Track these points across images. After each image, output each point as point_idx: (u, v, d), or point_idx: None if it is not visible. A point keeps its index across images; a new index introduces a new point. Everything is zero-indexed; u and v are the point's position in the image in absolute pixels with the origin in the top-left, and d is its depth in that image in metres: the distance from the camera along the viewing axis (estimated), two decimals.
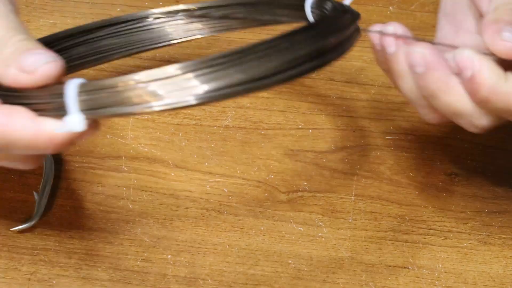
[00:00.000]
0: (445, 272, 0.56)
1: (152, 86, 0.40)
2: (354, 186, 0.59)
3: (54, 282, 0.53)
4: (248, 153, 0.60)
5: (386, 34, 0.50)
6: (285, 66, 0.41)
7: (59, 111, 0.41)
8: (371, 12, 0.69)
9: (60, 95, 0.41)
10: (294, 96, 0.64)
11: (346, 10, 0.48)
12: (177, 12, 0.57)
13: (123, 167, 0.59)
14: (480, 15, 0.51)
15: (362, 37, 0.68)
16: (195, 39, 0.57)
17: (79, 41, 0.55)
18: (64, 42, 0.55)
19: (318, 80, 0.65)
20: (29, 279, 0.53)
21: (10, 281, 0.53)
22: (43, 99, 0.43)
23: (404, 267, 0.56)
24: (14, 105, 0.43)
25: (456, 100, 0.47)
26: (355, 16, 0.48)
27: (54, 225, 0.56)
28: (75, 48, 0.55)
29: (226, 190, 0.58)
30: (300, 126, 0.62)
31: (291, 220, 0.57)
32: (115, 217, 0.56)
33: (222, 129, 0.61)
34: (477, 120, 0.48)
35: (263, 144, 0.61)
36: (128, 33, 0.56)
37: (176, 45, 0.65)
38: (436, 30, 0.54)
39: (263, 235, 0.56)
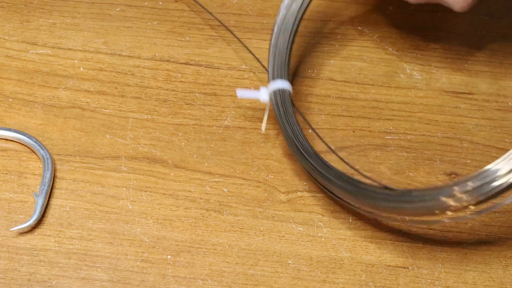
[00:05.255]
0: (445, 272, 0.56)
1: None
2: None
3: (54, 282, 0.53)
4: (248, 153, 0.60)
5: None
6: None
7: None
8: (371, 12, 0.69)
9: None
10: (293, 96, 0.63)
11: None
12: None
13: (122, 167, 0.59)
14: None
15: (362, 37, 0.68)
16: None
17: None
18: None
19: (318, 80, 0.65)
20: (28, 280, 0.53)
21: (9, 282, 0.53)
22: None
23: (404, 267, 0.56)
24: None
25: None
26: None
27: (53, 225, 0.56)
28: None
29: (225, 190, 0.58)
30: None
31: (291, 220, 0.57)
32: (114, 217, 0.56)
33: (221, 129, 0.61)
34: None
35: (262, 144, 0.61)
36: None
37: (176, 45, 0.66)
38: None
39: (263, 235, 0.56)
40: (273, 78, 0.59)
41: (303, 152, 0.56)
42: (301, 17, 0.63)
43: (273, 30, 0.62)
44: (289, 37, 0.61)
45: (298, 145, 0.56)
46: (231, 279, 0.54)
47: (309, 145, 0.57)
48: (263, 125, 0.58)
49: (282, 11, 0.62)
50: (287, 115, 0.58)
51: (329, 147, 0.57)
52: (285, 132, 0.58)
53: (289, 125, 0.57)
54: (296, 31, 0.62)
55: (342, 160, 0.57)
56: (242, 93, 0.58)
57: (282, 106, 0.58)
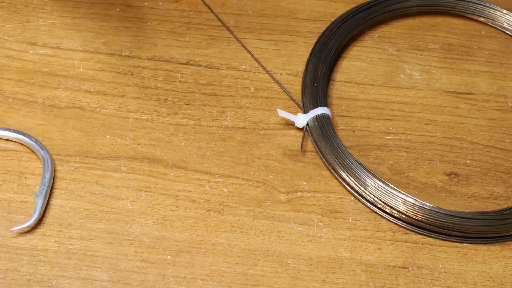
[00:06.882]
0: (445, 272, 0.56)
1: None
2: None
3: (54, 283, 0.53)
4: (248, 153, 0.60)
5: None
6: None
7: None
8: None
9: None
10: (293, 96, 0.64)
11: None
12: None
13: (122, 167, 0.59)
14: None
15: (362, 37, 0.68)
16: None
17: None
18: None
19: None
20: (28, 280, 0.53)
21: (9, 282, 0.53)
22: None
23: (404, 267, 0.56)
24: None
25: None
26: None
27: (53, 225, 0.56)
28: None
29: (225, 190, 0.58)
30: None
31: (291, 220, 0.57)
32: (114, 217, 0.56)
33: (221, 129, 0.61)
34: None
35: (262, 144, 0.61)
36: None
37: (176, 45, 0.66)
38: None
39: (263, 235, 0.56)
40: (314, 106, 0.61)
41: (348, 173, 0.58)
42: (342, 46, 0.66)
43: (309, 57, 0.64)
44: (329, 66, 0.64)
45: (341, 165, 0.58)
46: (231, 279, 0.54)
47: (356, 163, 0.58)
48: (301, 144, 0.60)
49: (321, 39, 0.65)
50: (328, 138, 0.60)
51: (371, 172, 0.58)
52: (326, 152, 0.59)
53: (329, 147, 0.59)
54: (336, 61, 0.66)
55: (386, 183, 0.58)
56: (282, 113, 0.60)
57: (323, 130, 0.60)
